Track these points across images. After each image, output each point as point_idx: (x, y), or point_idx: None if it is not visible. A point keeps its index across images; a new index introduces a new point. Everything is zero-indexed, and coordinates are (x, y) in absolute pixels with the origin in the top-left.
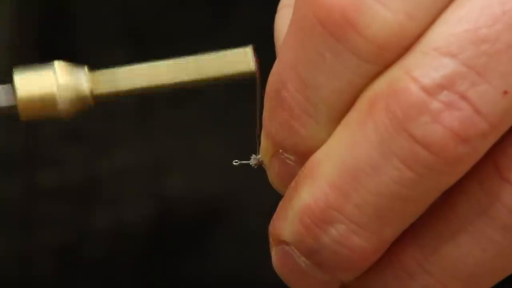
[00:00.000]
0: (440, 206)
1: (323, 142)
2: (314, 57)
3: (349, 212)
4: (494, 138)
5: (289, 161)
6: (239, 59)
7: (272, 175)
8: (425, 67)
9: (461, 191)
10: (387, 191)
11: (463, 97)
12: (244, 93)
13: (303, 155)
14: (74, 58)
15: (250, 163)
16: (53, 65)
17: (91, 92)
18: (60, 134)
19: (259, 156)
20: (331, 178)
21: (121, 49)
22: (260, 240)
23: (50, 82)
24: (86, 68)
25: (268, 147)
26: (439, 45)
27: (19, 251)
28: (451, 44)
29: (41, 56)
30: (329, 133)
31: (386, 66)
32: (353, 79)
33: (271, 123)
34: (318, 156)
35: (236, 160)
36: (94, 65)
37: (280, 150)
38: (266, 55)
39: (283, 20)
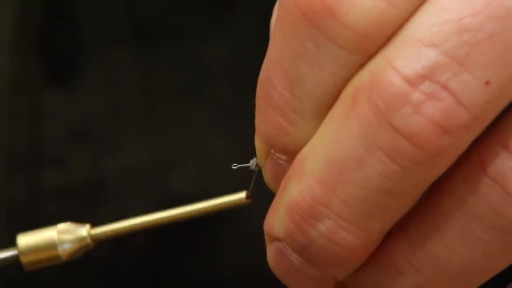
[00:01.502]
0: (426, 203)
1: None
2: (297, 49)
3: (336, 207)
4: (477, 130)
5: (281, 161)
6: (234, 200)
7: (267, 176)
8: (406, 57)
9: (446, 188)
10: (372, 185)
11: (445, 87)
12: (250, 90)
13: (294, 154)
14: (77, 57)
15: (249, 167)
16: (55, 226)
17: (90, 235)
18: (64, 134)
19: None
20: (318, 173)
21: (124, 48)
22: (265, 238)
23: (51, 233)
24: (88, 226)
25: (261, 147)
26: (421, 35)
27: None
28: (433, 34)
29: (43, 56)
30: (317, 129)
31: (369, 56)
32: (336, 70)
33: (261, 122)
34: (305, 151)
35: (235, 164)
36: (97, 65)
37: (272, 151)
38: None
39: None
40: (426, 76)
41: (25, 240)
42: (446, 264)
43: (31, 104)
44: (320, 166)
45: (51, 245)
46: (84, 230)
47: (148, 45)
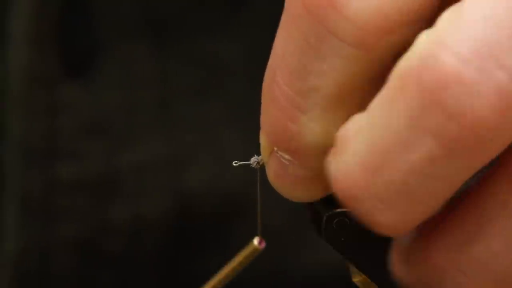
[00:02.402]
0: (470, 204)
1: (315, 138)
2: (300, 43)
3: (376, 190)
4: None
5: (283, 160)
6: (250, 252)
7: (271, 174)
8: (458, 35)
9: (491, 189)
10: (417, 169)
11: (500, 65)
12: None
13: (296, 153)
14: (94, 52)
15: (251, 164)
16: None
17: None
18: (80, 127)
19: (260, 156)
20: (360, 155)
21: (141, 43)
22: (280, 234)
23: None
24: None
25: (265, 144)
26: (470, 11)
27: (39, 244)
28: (485, 10)
29: (61, 49)
30: (321, 126)
31: (376, 53)
32: (339, 63)
33: (265, 119)
34: (349, 133)
35: (236, 161)
36: (114, 59)
37: (275, 149)
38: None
39: None
40: (481, 53)
41: None
42: (490, 266)
43: (48, 97)
44: (364, 149)
45: None
46: None
47: (165, 40)
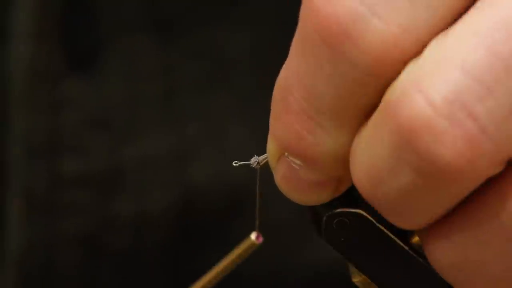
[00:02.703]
0: (465, 212)
1: (329, 148)
2: (314, 67)
3: (379, 199)
4: (503, 156)
5: (294, 165)
6: (247, 246)
7: (278, 178)
8: (434, 80)
9: (483, 204)
10: (406, 190)
11: (470, 115)
12: (270, 80)
13: (310, 160)
14: (97, 46)
15: (251, 164)
16: None
17: None
18: (84, 122)
19: (261, 157)
20: (357, 175)
21: (145, 37)
22: (285, 229)
23: None
24: None
25: (274, 149)
26: (451, 58)
27: (43, 239)
28: (463, 58)
29: (64, 44)
30: (336, 140)
31: (386, 78)
32: (353, 88)
33: (277, 126)
34: (355, 145)
35: (236, 161)
36: (118, 54)
37: (286, 153)
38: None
39: None
40: (452, 101)
41: None
42: (486, 268)
43: (51, 92)
44: (365, 162)
45: None
46: None
47: (168, 34)
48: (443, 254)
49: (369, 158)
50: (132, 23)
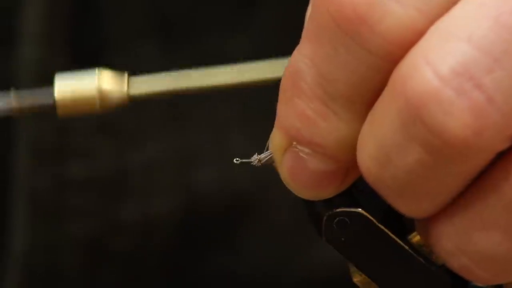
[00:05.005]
0: (471, 194)
1: (342, 134)
2: (329, 52)
3: (386, 182)
4: (510, 130)
5: (302, 154)
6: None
7: (285, 172)
8: (441, 52)
9: (489, 182)
10: (414, 171)
11: (478, 85)
12: (275, 85)
13: (319, 147)
14: (103, 49)
15: (252, 162)
16: (94, 70)
17: (127, 93)
18: (90, 127)
19: (262, 155)
20: (368, 151)
21: (150, 42)
22: (288, 234)
23: (89, 81)
24: (126, 74)
25: (281, 141)
26: (457, 30)
27: (48, 242)
28: (470, 30)
29: (70, 47)
30: (349, 126)
31: (398, 61)
32: (368, 73)
33: (287, 113)
34: (363, 129)
35: (237, 159)
36: (123, 58)
37: (294, 143)
38: (281, 44)
39: None
40: (460, 72)
41: (63, 81)
42: (489, 250)
43: None
44: (372, 145)
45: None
46: (124, 86)
47: (173, 38)
48: (447, 239)
49: (377, 139)
50: (138, 28)
